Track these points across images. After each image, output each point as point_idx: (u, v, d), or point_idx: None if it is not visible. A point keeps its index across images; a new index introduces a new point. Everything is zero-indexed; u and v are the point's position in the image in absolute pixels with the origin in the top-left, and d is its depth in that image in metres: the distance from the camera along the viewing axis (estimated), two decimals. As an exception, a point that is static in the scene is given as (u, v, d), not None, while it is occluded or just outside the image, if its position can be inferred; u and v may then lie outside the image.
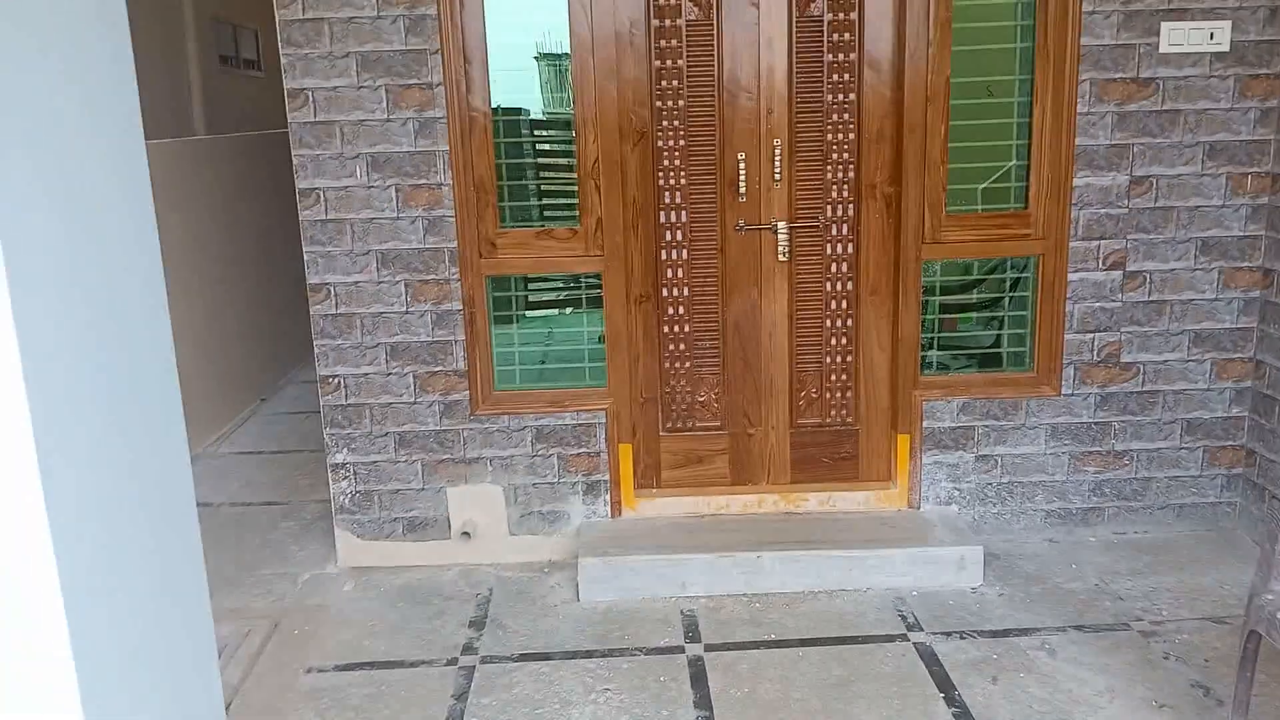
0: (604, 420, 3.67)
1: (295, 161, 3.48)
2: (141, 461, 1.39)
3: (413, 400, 3.63)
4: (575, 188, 3.61)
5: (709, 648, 3.11)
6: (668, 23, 3.53)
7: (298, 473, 4.65)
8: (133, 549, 1.35)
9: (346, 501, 3.71)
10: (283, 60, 3.41)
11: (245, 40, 5.99)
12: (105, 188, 1.33)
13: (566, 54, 3.52)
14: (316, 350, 3.60)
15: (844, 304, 3.74)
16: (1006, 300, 3.81)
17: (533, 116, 3.75)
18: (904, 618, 3.23)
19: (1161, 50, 3.47)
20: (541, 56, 3.65)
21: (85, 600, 1.19)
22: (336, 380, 3.61)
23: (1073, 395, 3.69)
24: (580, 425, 3.68)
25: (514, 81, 3.61)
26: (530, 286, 3.81)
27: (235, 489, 4.54)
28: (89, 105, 1.29)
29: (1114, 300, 3.64)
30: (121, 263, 1.36)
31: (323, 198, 3.49)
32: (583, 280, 3.74)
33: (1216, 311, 3.66)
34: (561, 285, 3.86)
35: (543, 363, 3.84)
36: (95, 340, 1.27)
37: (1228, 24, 3.45)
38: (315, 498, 4.29)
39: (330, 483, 3.71)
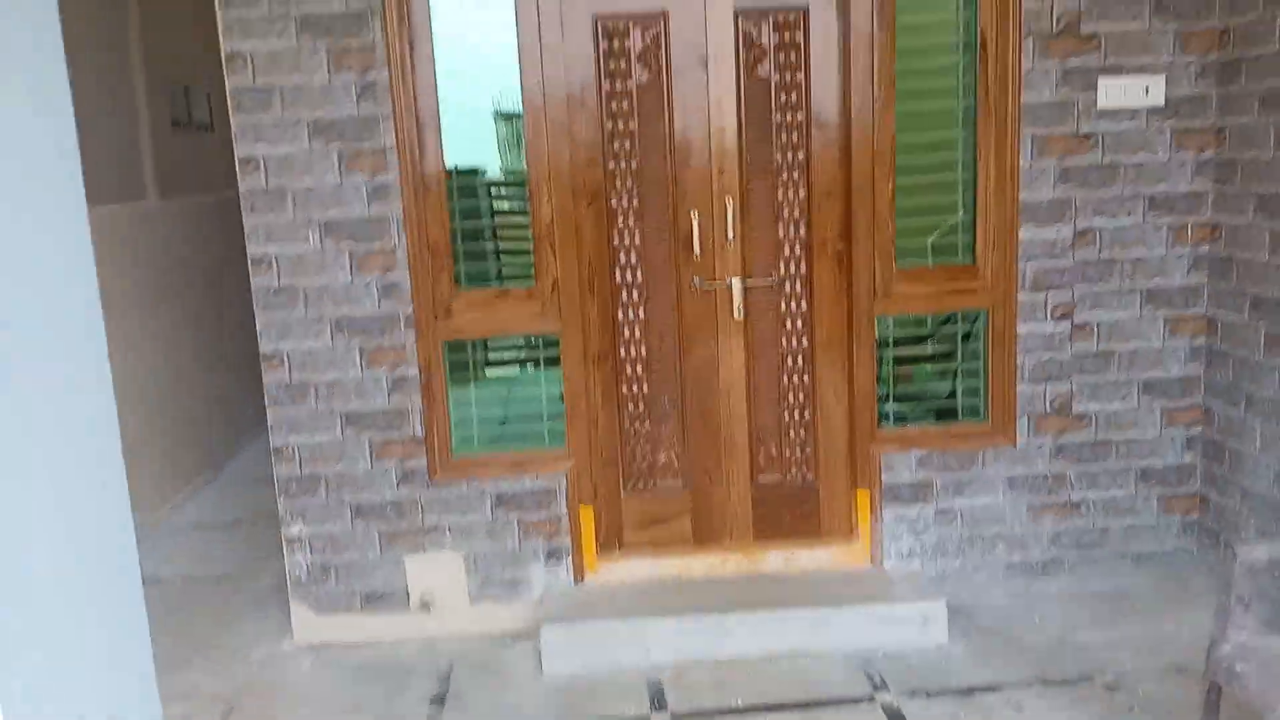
0: (564, 483, 3.64)
1: (247, 227, 3.45)
2: (81, 533, 1.35)
3: (369, 468, 3.57)
4: (531, 249, 3.61)
5: (675, 717, 3.06)
6: (619, 85, 3.56)
7: (251, 545, 4.54)
8: (73, 626, 1.30)
9: (302, 575, 3.62)
10: (234, 127, 3.39)
11: (197, 101, 5.96)
12: (43, 254, 1.29)
13: (520, 114, 3.54)
14: (270, 419, 3.54)
15: (800, 360, 3.75)
16: (959, 352, 3.86)
17: (488, 177, 3.76)
18: (870, 678, 3.21)
19: (1100, 106, 3.56)
20: (496, 116, 3.66)
21: (20, 682, 1.14)
22: (291, 449, 3.55)
23: (1028, 446, 3.72)
24: (540, 489, 3.64)
25: (468, 143, 3.62)
26: (488, 347, 3.79)
27: (186, 563, 4.42)
28: (26, 172, 1.26)
29: (1063, 351, 3.70)
30: (61, 330, 1.33)
31: (275, 264, 3.46)
32: (541, 340, 3.73)
33: (1164, 360, 3.73)
34: (520, 346, 3.84)
35: (502, 424, 3.81)
36: (32, 408, 1.23)
37: (1162, 79, 3.56)
38: (270, 571, 4.19)
39: (285, 555, 3.63)
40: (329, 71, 3.36)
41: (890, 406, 3.80)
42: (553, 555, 3.67)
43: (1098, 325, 3.69)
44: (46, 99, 1.33)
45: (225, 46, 3.31)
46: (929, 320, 3.89)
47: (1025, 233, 3.62)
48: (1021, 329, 3.68)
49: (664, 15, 3.52)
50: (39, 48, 1.32)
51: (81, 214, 1.39)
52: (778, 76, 3.59)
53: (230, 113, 3.38)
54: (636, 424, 3.75)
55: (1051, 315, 3.68)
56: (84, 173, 1.38)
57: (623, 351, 3.72)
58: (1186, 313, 3.70)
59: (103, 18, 4.97)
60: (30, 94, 1.29)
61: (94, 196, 1.37)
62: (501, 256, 3.80)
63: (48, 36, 1.34)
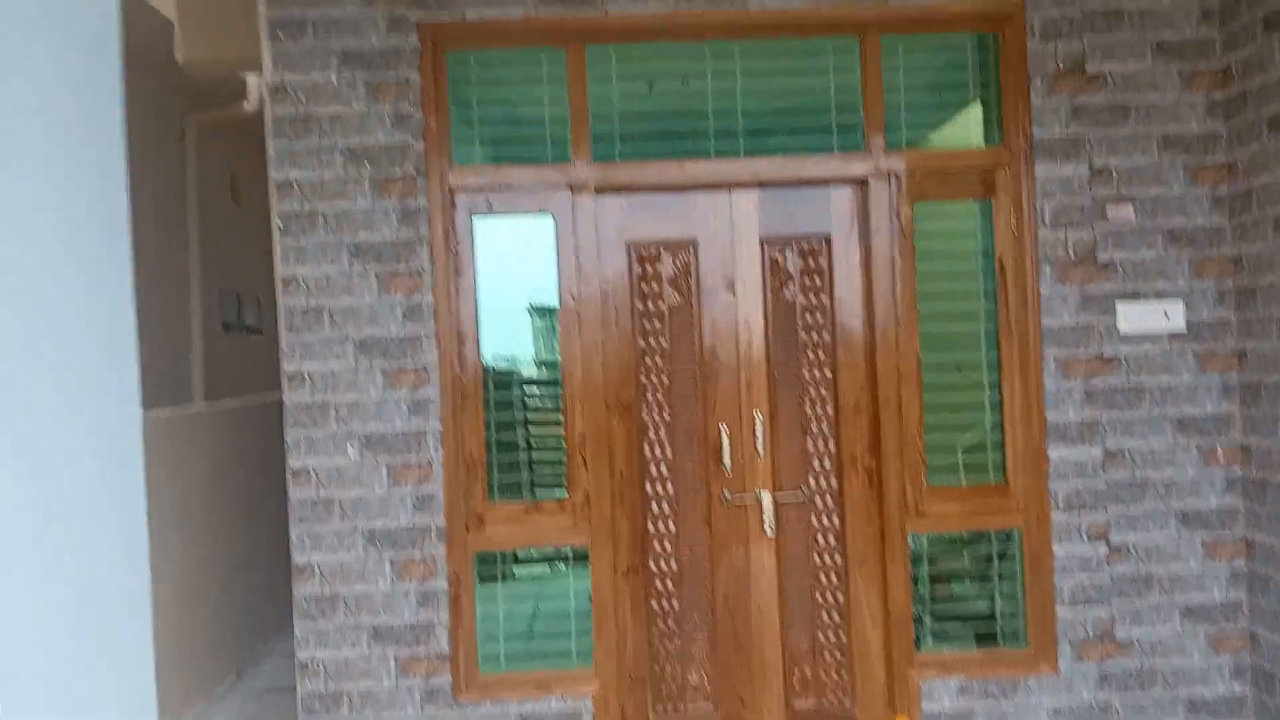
0: (590, 705, 3.54)
1: (289, 440, 3.54)
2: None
3: (393, 686, 3.51)
4: (563, 460, 3.67)
5: None
6: (651, 305, 3.71)
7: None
8: None
9: (318, 796, 3.50)
10: (283, 344, 3.55)
11: (248, 305, 6.25)
12: (94, 459, 1.34)
13: (556, 332, 3.68)
14: (297, 633, 3.52)
15: (833, 577, 3.71)
16: (996, 573, 3.80)
17: (523, 390, 3.87)
18: None
19: (1121, 330, 3.65)
20: (533, 334, 3.81)
21: None
22: (317, 664, 3.51)
23: (1071, 673, 3.60)
24: (567, 712, 3.54)
25: (505, 359, 3.76)
26: (518, 558, 3.79)
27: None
28: (83, 377, 1.33)
29: (1101, 573, 3.63)
30: (103, 537, 1.36)
31: (314, 476, 3.53)
32: (571, 553, 3.73)
33: (1204, 583, 3.64)
34: (549, 557, 3.84)
35: (529, 638, 3.76)
36: (67, 617, 1.25)
37: (1180, 304, 3.65)
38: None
39: (302, 775, 3.52)
40: (377, 293, 3.54)
41: (927, 626, 3.72)
42: (577, 781, 3.53)
43: (1134, 547, 3.64)
44: (109, 308, 1.42)
45: (281, 270, 3.51)
46: (963, 538, 3.85)
47: (1055, 453, 3.63)
48: (1057, 550, 3.63)
49: (693, 243, 3.71)
50: (110, 259, 1.42)
51: (136, 423, 1.46)
52: (803, 299, 3.73)
53: (280, 330, 3.55)
54: (666, 641, 3.69)
55: (1087, 536, 3.64)
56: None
57: (653, 565, 3.71)
58: (1224, 535, 3.64)
59: (166, 226, 5.30)
60: (91, 305, 1.37)
61: (143, 400, 1.43)
62: (534, 468, 3.86)
63: (118, 250, 1.45)
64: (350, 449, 3.54)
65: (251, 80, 4.72)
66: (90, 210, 1.39)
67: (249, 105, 4.86)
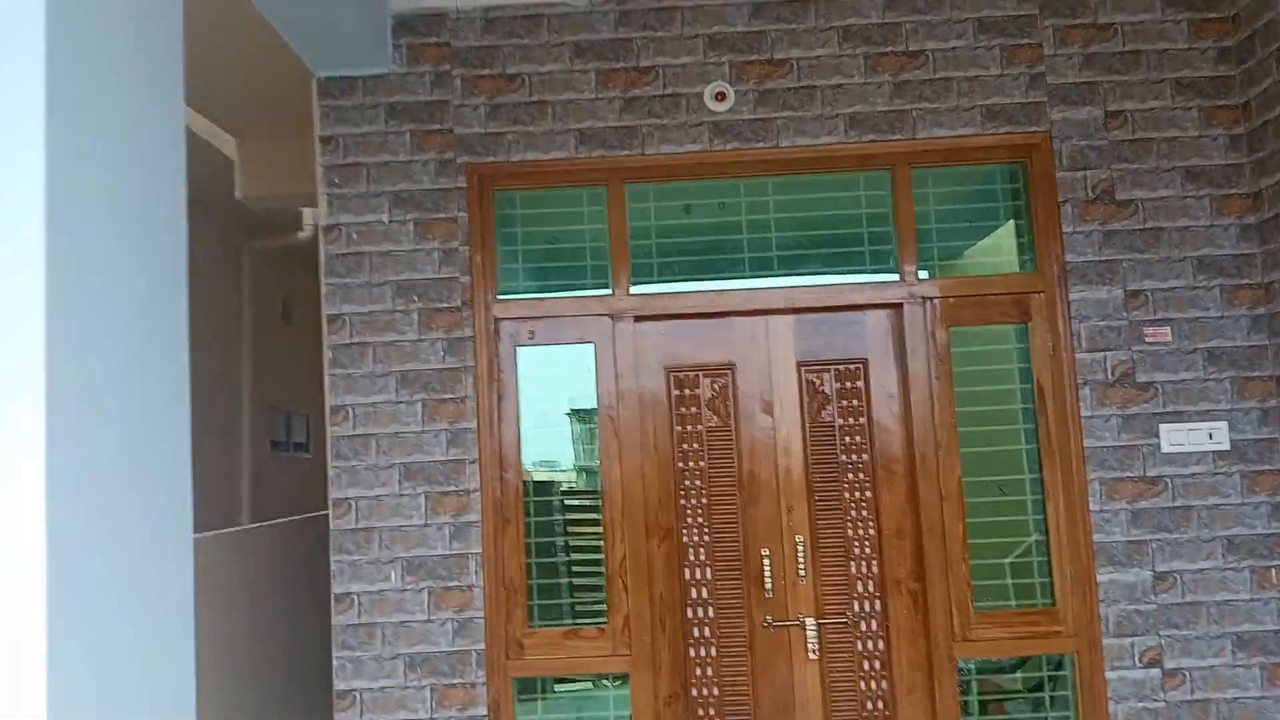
0: (632, 839, 3.47)
1: (333, 567, 3.60)
2: None
3: (432, 818, 3.47)
4: (603, 585, 3.68)
5: None
6: (689, 428, 3.76)
7: None
8: None
9: None
10: (330, 472, 3.64)
11: (297, 422, 6.40)
12: (148, 586, 1.39)
13: (596, 458, 3.73)
14: (337, 762, 3.51)
15: (880, 704, 3.64)
16: (1047, 699, 3.70)
17: (564, 515, 3.90)
18: None
19: (1164, 450, 3.63)
20: (574, 457, 3.86)
21: None
22: (355, 794, 3.49)
23: (1130, 808, 3.47)
24: (607, 844, 3.47)
25: (546, 484, 3.81)
26: (557, 685, 3.76)
27: None
28: (138, 505, 1.38)
29: (1157, 699, 3.53)
30: (157, 663, 1.40)
31: (356, 602, 3.57)
32: (610, 679, 3.70)
33: (1265, 710, 3.52)
34: (589, 684, 3.80)
35: (568, 768, 3.70)
36: None
37: (1224, 424, 3.63)
38: None
39: None
40: (422, 421, 3.63)
41: (976, 757, 3.61)
42: None
43: (1190, 674, 3.54)
44: (165, 437, 1.49)
45: (330, 399, 3.63)
46: (1012, 663, 3.77)
47: (1103, 576, 3.58)
48: (1110, 676, 3.54)
49: (731, 367, 3.77)
50: (169, 388, 1.49)
51: (187, 549, 1.51)
52: (841, 420, 3.76)
53: (328, 459, 3.64)
54: (709, 772, 3.62)
55: (1140, 661, 3.55)
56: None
57: (694, 692, 3.66)
58: (1284, 661, 3.54)
59: (222, 350, 5.48)
60: (148, 437, 1.44)
61: (194, 524, 1.48)
62: (574, 592, 3.86)
63: (177, 379, 1.53)
64: (393, 574, 3.58)
65: (307, 212, 4.94)
66: (150, 340, 1.48)
67: (304, 234, 5.08)
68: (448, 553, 3.60)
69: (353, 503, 3.61)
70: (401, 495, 3.61)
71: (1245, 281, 3.68)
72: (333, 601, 3.58)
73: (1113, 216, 3.71)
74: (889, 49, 3.78)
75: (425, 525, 3.60)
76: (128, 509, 1.40)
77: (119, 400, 1.40)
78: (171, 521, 1.51)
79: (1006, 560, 3.74)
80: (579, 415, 3.83)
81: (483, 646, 3.57)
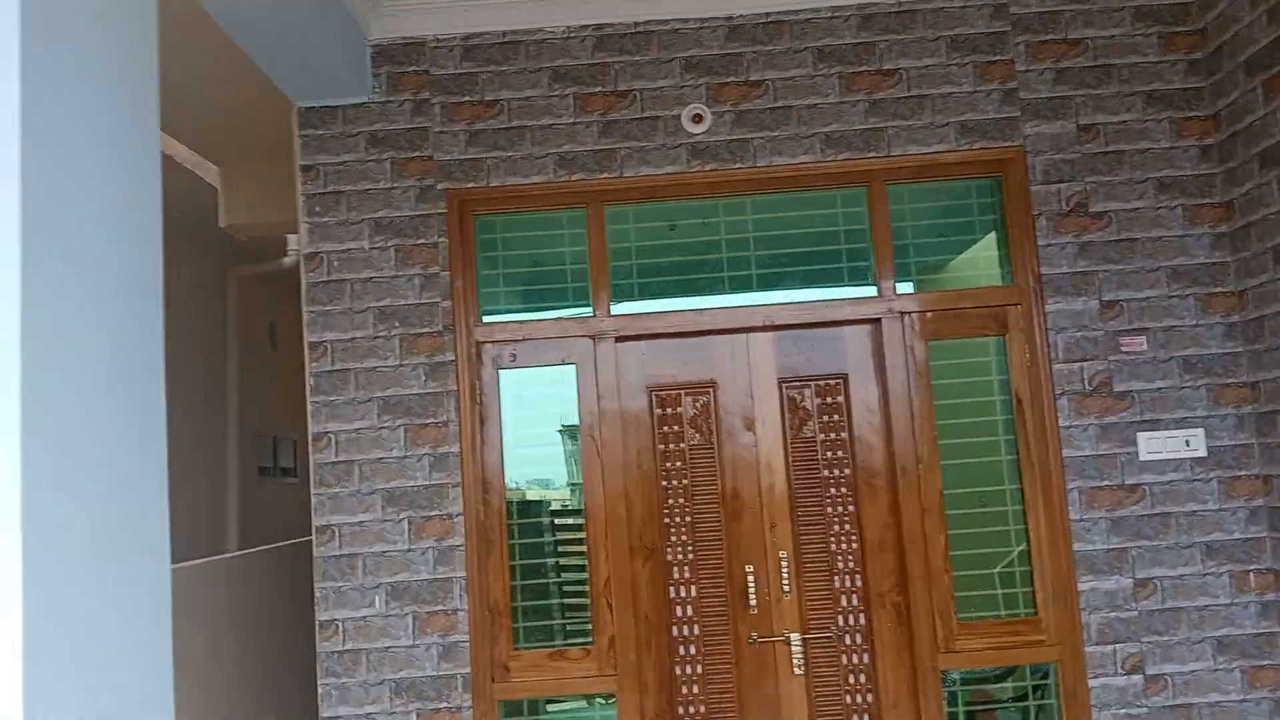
0: None
1: (317, 593, 3.60)
2: None
3: (421, 843, 3.47)
4: (588, 605, 3.69)
5: None
6: (672, 446, 3.79)
7: None
8: None
9: None
10: (313, 499, 3.65)
11: (284, 447, 6.40)
12: (125, 616, 1.39)
13: (580, 476, 3.75)
14: (325, 789, 3.51)
15: (866, 718, 3.65)
16: (1033, 709, 3.72)
17: (547, 536, 3.91)
18: None
19: (1142, 458, 3.66)
20: (557, 477, 3.88)
21: None
22: (344, 821, 3.48)
23: (1117, 817, 3.49)
24: None
25: (530, 504, 3.82)
26: (546, 706, 3.77)
27: None
28: (112, 537, 1.39)
29: (1140, 706, 3.55)
30: (135, 693, 1.40)
31: (341, 628, 3.58)
32: (596, 700, 3.71)
33: (1246, 714, 3.55)
34: (576, 705, 3.81)
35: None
36: None
37: (1201, 431, 3.67)
38: None
39: None
40: (405, 446, 3.65)
41: (964, 769, 3.63)
42: None
43: (1171, 679, 3.56)
44: (143, 469, 1.49)
45: (313, 427, 3.64)
46: (998, 674, 3.79)
47: (1084, 584, 3.60)
48: (1093, 684, 3.57)
49: (713, 385, 3.80)
50: (144, 424, 1.50)
51: (164, 578, 1.51)
52: (823, 436, 3.78)
53: (311, 485, 3.66)
54: (697, 790, 3.62)
55: (1122, 669, 3.57)
56: (172, 529, 1.50)
57: (681, 710, 3.67)
58: (1262, 664, 3.56)
59: (208, 377, 5.49)
60: (126, 465, 1.45)
61: (180, 551, 1.49)
62: (559, 615, 3.87)
63: (153, 416, 1.53)
64: (377, 600, 3.59)
65: (292, 238, 4.96)
66: (125, 376, 1.48)
67: (289, 260, 5.10)
68: (432, 577, 3.61)
69: (336, 529, 3.62)
70: (385, 520, 3.62)
71: (1219, 290, 3.72)
72: (317, 628, 3.59)
73: (1087, 228, 3.75)
74: (863, 68, 3.83)
75: (409, 550, 3.61)
76: (104, 538, 1.40)
77: (96, 428, 1.41)
78: (149, 551, 1.52)
79: (991, 571, 3.76)
80: (569, 432, 3.85)
81: (468, 670, 3.57)
